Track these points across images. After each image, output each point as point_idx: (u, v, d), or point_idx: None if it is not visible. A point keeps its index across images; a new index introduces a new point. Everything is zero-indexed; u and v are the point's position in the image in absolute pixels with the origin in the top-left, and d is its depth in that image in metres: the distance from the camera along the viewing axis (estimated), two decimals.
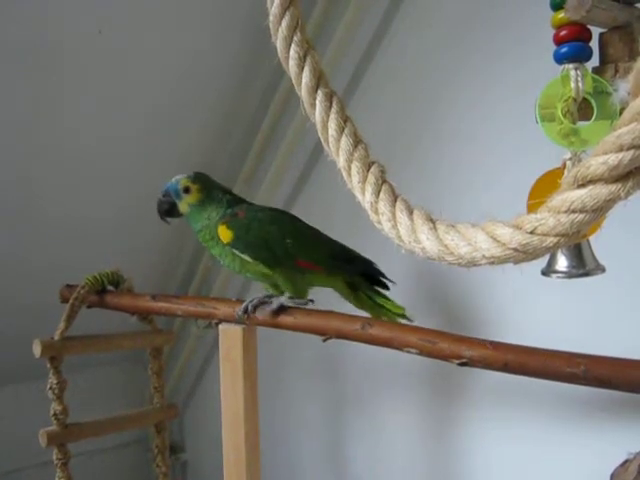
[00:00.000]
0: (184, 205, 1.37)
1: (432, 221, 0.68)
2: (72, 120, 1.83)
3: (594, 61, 0.77)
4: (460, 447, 1.68)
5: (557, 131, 0.75)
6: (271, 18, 0.71)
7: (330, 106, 0.73)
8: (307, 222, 1.40)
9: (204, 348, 2.61)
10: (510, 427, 1.56)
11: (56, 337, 1.55)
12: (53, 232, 2.05)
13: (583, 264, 0.84)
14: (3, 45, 1.57)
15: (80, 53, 1.69)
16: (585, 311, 1.37)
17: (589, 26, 0.75)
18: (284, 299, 1.32)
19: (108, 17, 1.66)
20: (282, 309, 1.31)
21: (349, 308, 1.36)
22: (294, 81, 0.74)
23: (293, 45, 0.71)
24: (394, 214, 0.69)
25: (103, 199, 2.08)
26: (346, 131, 0.73)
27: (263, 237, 1.31)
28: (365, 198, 0.72)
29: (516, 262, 0.63)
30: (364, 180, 0.72)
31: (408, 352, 1.14)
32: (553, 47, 0.76)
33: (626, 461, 0.95)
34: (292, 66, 0.72)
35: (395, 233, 0.69)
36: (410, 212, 0.69)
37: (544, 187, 0.77)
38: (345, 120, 0.74)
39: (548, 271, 0.85)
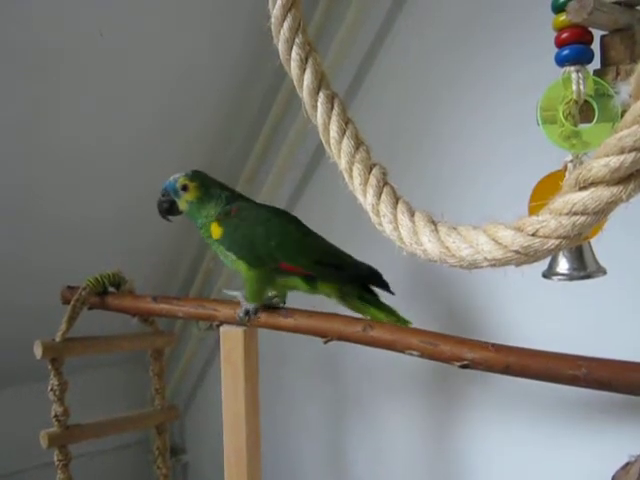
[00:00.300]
0: (183, 203, 1.38)
1: (434, 223, 0.68)
2: (72, 120, 1.83)
3: (595, 64, 0.77)
4: (461, 449, 1.68)
5: (558, 133, 0.75)
6: (273, 20, 0.71)
7: (332, 108, 0.73)
8: (308, 224, 1.40)
9: (205, 350, 2.61)
10: (511, 429, 1.55)
11: (57, 338, 1.55)
12: (54, 233, 2.05)
13: (584, 266, 0.84)
14: (4, 45, 1.57)
15: (80, 54, 1.69)
16: (586, 313, 1.37)
17: (590, 29, 0.75)
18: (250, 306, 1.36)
19: (108, 18, 1.66)
20: (248, 314, 1.36)
21: (350, 310, 1.36)
22: (296, 83, 0.74)
23: (295, 47, 0.72)
24: (395, 216, 0.69)
25: (104, 200, 2.08)
26: (348, 133, 0.73)
27: (249, 237, 1.32)
28: (367, 200, 0.72)
29: (517, 264, 0.63)
30: (366, 182, 0.72)
31: (410, 354, 1.14)
32: (555, 49, 0.76)
33: (627, 464, 0.95)
34: (294, 68, 0.73)
35: (397, 235, 0.69)
36: (412, 214, 0.69)
37: (546, 189, 0.77)
38: (347, 122, 0.74)
39: (549, 273, 0.85)
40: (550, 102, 0.76)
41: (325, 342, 1.27)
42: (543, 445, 1.48)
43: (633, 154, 0.53)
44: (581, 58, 0.75)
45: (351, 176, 0.73)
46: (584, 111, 0.76)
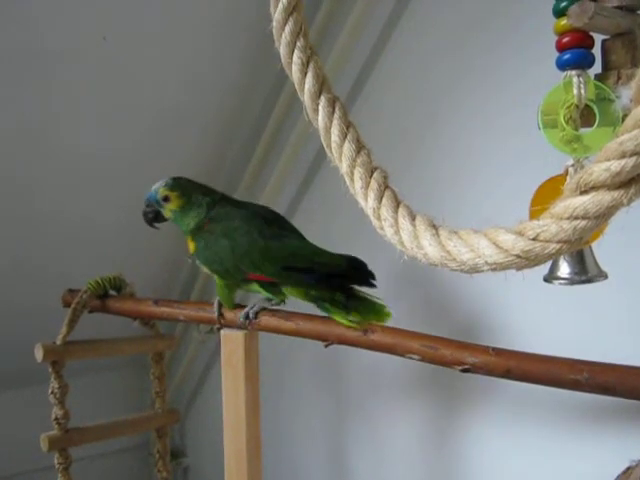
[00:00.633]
0: (168, 212, 1.40)
1: (434, 227, 0.68)
2: (73, 121, 1.83)
3: (596, 68, 0.77)
4: (463, 454, 1.67)
5: (559, 138, 0.75)
6: (274, 24, 0.72)
7: (333, 112, 0.73)
8: (309, 227, 1.40)
9: (206, 353, 2.61)
10: (513, 435, 1.55)
11: (58, 342, 1.55)
12: (54, 234, 2.05)
13: (585, 271, 0.83)
14: (4, 46, 1.57)
15: (82, 55, 1.69)
16: (587, 318, 1.37)
17: (592, 33, 0.75)
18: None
19: (110, 20, 1.67)
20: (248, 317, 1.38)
21: None
22: (297, 87, 0.74)
23: (296, 51, 0.72)
24: (396, 220, 0.70)
25: (104, 201, 2.07)
26: (349, 137, 0.73)
27: (216, 252, 1.33)
28: (368, 204, 0.72)
29: (518, 268, 0.63)
30: (367, 186, 0.72)
31: (410, 358, 1.14)
32: (555, 53, 0.76)
33: (628, 468, 0.95)
34: (295, 72, 0.73)
35: (397, 239, 0.69)
36: (412, 218, 0.69)
37: (546, 194, 0.77)
38: (348, 126, 0.74)
39: (550, 278, 0.85)
40: (551, 106, 0.76)
41: (326, 346, 1.27)
42: (544, 449, 1.48)
43: (634, 158, 0.53)
44: (582, 62, 0.75)
45: (352, 180, 0.73)
46: (585, 115, 0.76)
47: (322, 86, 0.73)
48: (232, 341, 1.40)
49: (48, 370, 1.56)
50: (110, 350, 1.77)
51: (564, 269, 0.84)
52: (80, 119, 1.85)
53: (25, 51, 1.60)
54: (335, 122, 0.73)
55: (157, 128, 2.00)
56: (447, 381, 1.66)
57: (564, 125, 0.75)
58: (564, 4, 0.73)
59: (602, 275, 0.85)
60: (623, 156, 0.53)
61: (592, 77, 0.76)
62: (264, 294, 1.37)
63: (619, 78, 0.74)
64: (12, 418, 2.30)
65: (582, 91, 0.74)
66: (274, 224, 1.35)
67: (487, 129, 1.54)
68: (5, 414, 2.31)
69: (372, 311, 1.25)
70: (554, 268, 0.85)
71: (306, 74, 0.72)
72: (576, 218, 0.57)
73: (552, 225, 0.59)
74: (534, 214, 0.70)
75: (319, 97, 0.73)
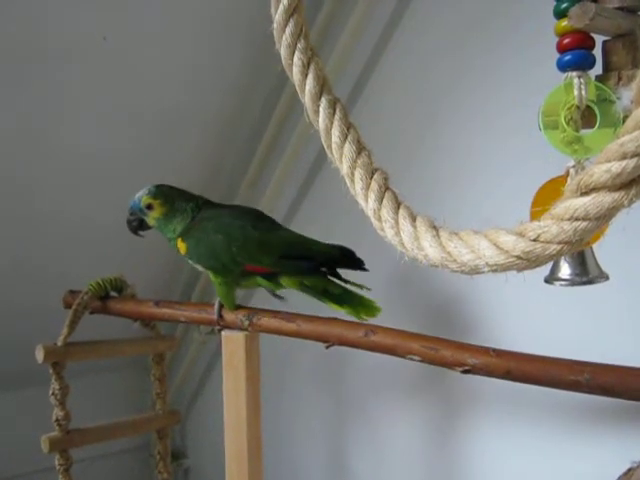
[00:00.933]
0: (151, 220, 1.41)
1: (435, 228, 0.68)
2: (73, 121, 1.83)
3: (597, 69, 0.77)
4: (463, 455, 1.67)
5: (560, 139, 0.75)
6: (275, 25, 0.72)
7: (333, 113, 0.73)
8: (310, 229, 1.40)
9: (207, 354, 2.61)
10: (513, 436, 1.55)
11: (59, 343, 1.55)
12: (54, 234, 2.05)
13: (586, 272, 0.83)
14: (4, 46, 1.57)
15: (82, 55, 1.69)
16: (588, 319, 1.36)
17: (592, 34, 0.75)
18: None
19: (110, 20, 1.67)
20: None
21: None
22: (298, 88, 0.74)
23: (297, 52, 0.72)
24: (397, 221, 0.69)
25: (104, 201, 2.06)
26: (349, 138, 0.73)
27: (210, 248, 1.34)
28: (368, 205, 0.72)
29: (519, 270, 0.63)
30: (367, 187, 0.72)
31: (411, 359, 1.14)
32: (556, 55, 0.76)
33: (629, 469, 0.95)
34: (296, 73, 0.73)
35: (398, 240, 0.69)
36: (413, 219, 0.69)
37: (547, 195, 0.77)
38: (348, 127, 0.74)
39: (551, 279, 0.85)
40: (552, 107, 0.76)
41: (327, 347, 1.27)
42: (545, 451, 1.47)
43: (635, 160, 0.53)
44: (583, 63, 0.75)
45: (353, 181, 0.73)
46: (586, 116, 0.76)
47: (323, 87, 0.73)
48: (233, 342, 1.40)
49: (49, 371, 1.55)
50: (111, 351, 1.77)
51: (565, 270, 0.84)
52: (80, 119, 1.85)
53: (25, 51, 1.60)
54: (336, 123, 0.73)
55: (157, 128, 2.00)
56: (447, 382, 1.66)
57: (565, 126, 0.75)
58: (565, 5, 0.73)
59: (603, 276, 0.85)
60: (624, 157, 0.53)
61: (593, 78, 0.76)
62: (264, 284, 1.38)
63: (620, 79, 0.74)
64: (13, 419, 2.30)
65: (583, 92, 0.74)
66: (265, 220, 1.40)
67: (487, 129, 1.54)
68: (6, 415, 2.31)
69: (362, 304, 1.32)
70: (555, 269, 0.85)
71: (307, 75, 0.72)
72: (577, 219, 0.57)
73: (553, 226, 0.59)
74: (535, 215, 0.70)
75: (320, 98, 0.73)
